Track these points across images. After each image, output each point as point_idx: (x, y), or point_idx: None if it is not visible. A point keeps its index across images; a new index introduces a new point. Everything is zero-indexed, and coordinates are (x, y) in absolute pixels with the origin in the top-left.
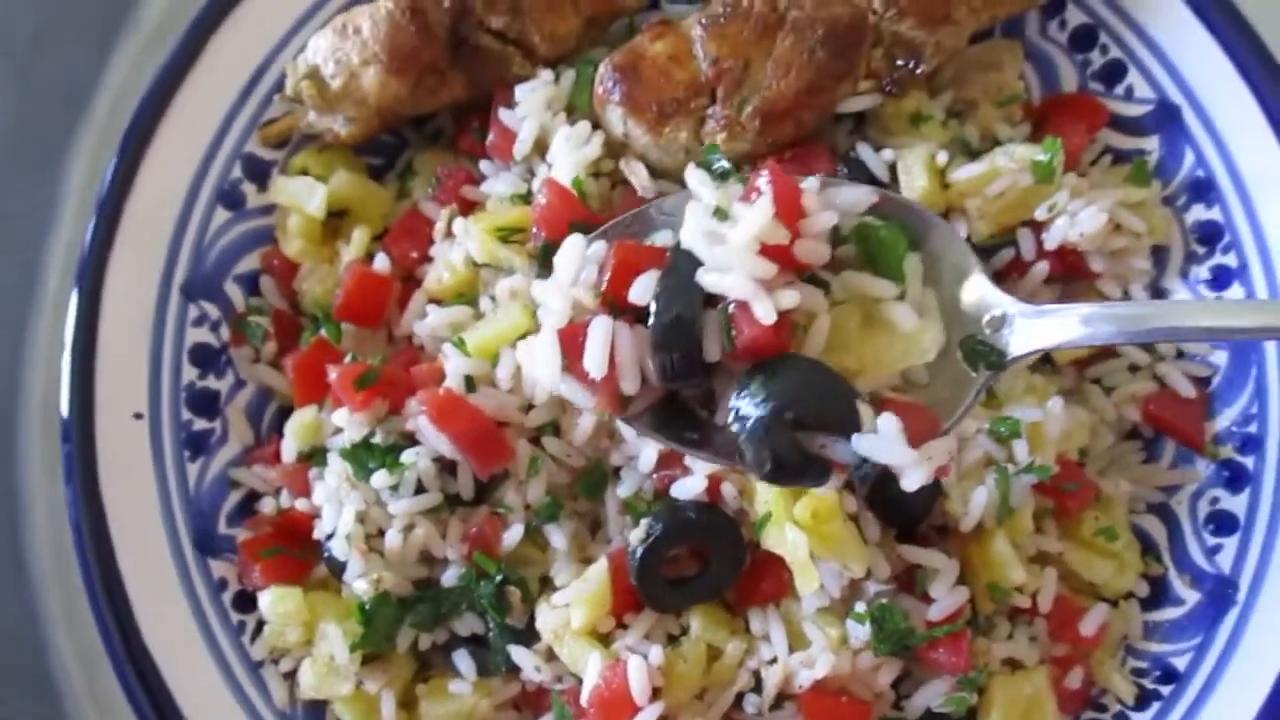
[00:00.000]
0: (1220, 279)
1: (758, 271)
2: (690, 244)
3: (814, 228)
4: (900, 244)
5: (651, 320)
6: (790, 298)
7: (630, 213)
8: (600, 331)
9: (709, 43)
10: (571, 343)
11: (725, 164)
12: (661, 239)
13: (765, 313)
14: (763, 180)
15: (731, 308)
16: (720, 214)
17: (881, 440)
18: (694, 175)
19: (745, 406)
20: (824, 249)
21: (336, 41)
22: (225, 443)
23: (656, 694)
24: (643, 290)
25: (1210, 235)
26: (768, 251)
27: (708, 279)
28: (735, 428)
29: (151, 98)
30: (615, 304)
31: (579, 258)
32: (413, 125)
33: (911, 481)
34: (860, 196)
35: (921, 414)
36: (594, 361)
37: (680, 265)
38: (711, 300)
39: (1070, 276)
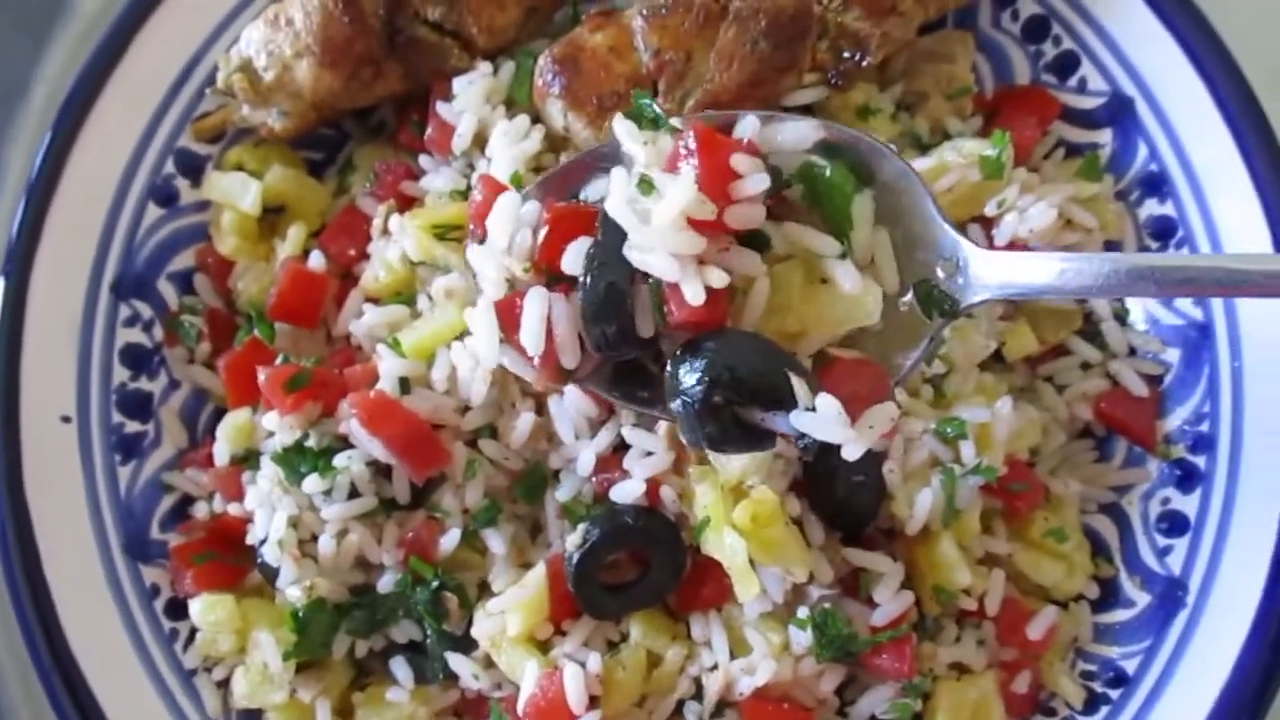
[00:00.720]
0: None
1: (684, 248)
2: (615, 215)
3: (747, 190)
4: (848, 185)
5: (580, 294)
6: (720, 277)
7: (565, 162)
8: (536, 305)
9: (650, 34)
10: (509, 315)
11: (658, 110)
12: (597, 189)
13: (694, 294)
14: (688, 144)
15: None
16: (645, 186)
17: (819, 418)
18: (622, 126)
19: (678, 384)
20: (758, 212)
21: (269, 33)
22: (158, 446)
23: (594, 702)
24: (574, 259)
25: (1163, 230)
26: (696, 224)
27: (634, 256)
28: (672, 405)
29: (79, 90)
30: (550, 271)
31: (512, 219)
32: (355, 119)
33: (853, 452)
34: (806, 132)
35: (869, 371)
36: (530, 338)
37: (609, 234)
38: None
39: None
